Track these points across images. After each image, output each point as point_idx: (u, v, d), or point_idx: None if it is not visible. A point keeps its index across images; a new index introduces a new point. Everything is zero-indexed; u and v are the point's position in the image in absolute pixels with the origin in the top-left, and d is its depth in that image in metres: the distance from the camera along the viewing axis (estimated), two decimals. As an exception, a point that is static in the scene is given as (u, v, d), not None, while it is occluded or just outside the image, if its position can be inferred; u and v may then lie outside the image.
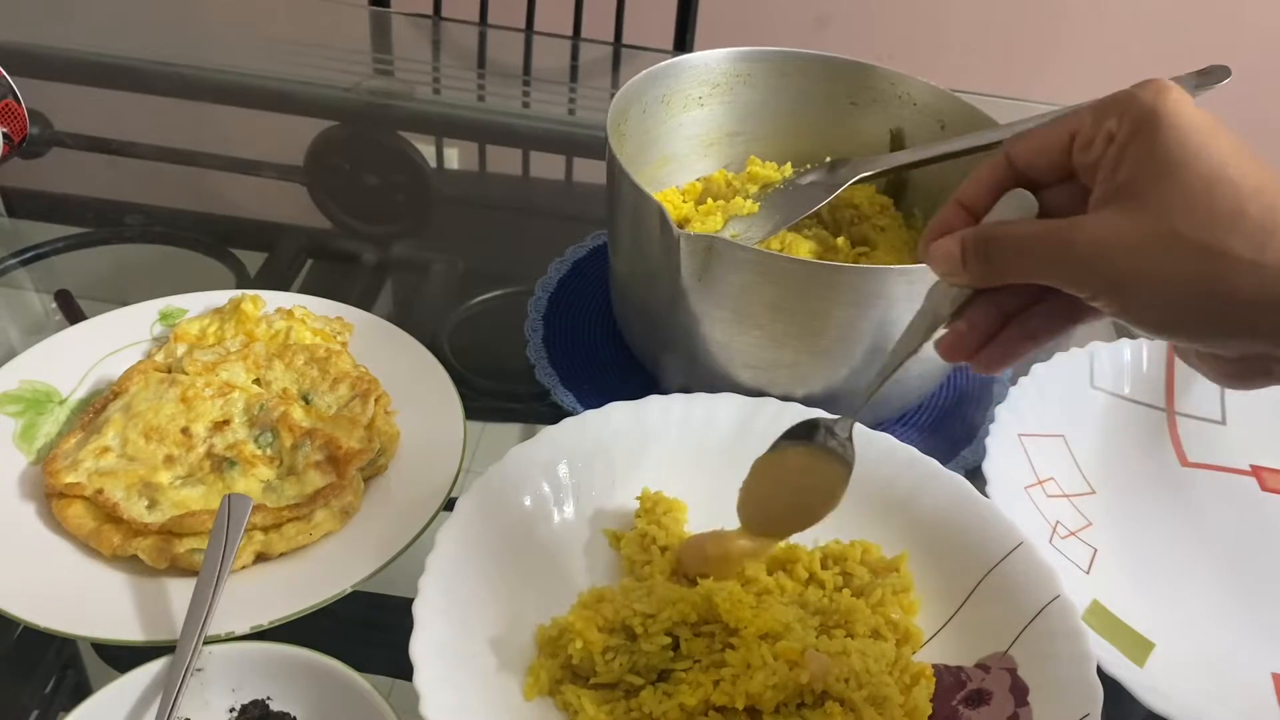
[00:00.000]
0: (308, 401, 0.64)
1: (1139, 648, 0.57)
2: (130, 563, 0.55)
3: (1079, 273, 0.38)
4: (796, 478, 0.51)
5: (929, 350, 0.65)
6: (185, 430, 0.61)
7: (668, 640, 0.50)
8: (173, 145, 1.00)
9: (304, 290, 0.75)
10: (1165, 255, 0.35)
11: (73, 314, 0.74)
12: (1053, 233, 0.39)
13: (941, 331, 0.43)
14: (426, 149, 1.07)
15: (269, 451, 0.61)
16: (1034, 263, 0.39)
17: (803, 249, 0.72)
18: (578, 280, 0.80)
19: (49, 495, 0.57)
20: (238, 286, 0.74)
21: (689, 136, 0.80)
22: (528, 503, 0.58)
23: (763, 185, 0.77)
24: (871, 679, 0.49)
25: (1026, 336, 0.42)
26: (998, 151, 0.42)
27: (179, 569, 0.55)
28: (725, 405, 0.63)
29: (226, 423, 0.62)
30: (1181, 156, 0.36)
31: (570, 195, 1.03)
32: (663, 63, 0.75)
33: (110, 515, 0.55)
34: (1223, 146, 0.36)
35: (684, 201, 0.77)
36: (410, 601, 0.49)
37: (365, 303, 0.73)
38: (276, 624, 0.51)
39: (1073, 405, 0.70)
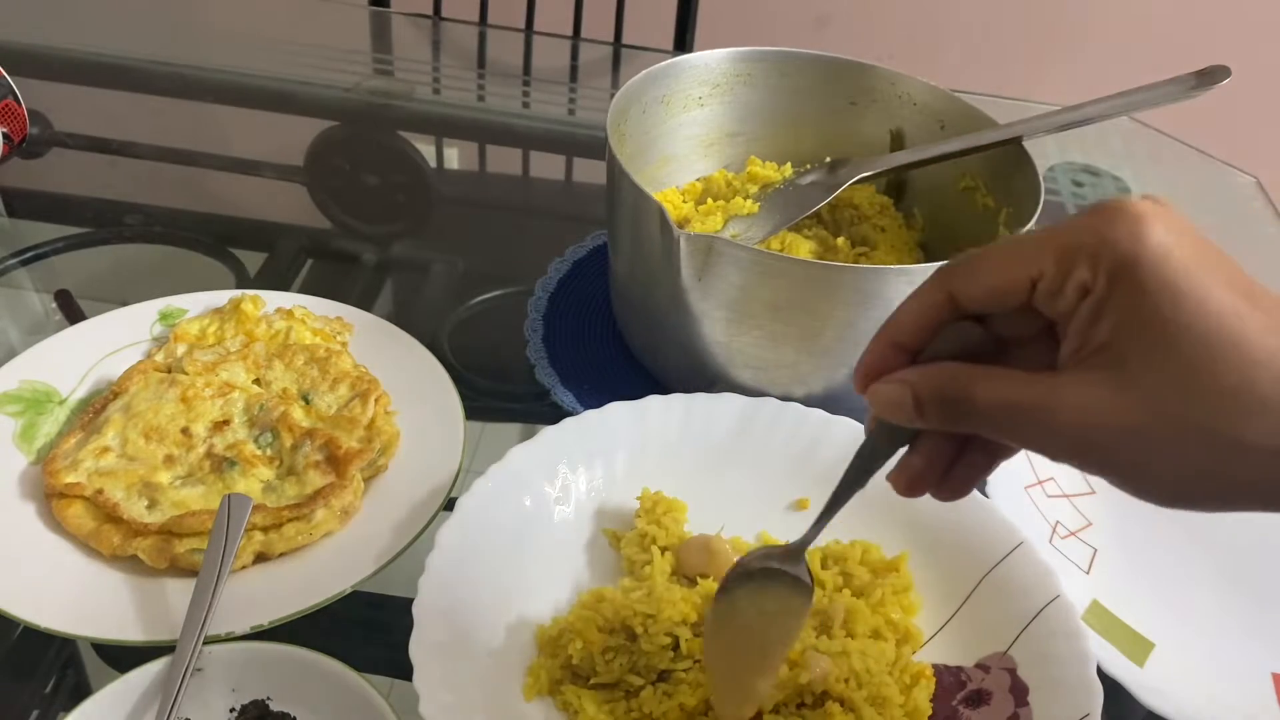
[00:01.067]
0: (308, 401, 0.64)
1: (1139, 648, 0.57)
2: (130, 563, 0.55)
3: (1063, 445, 0.33)
4: (757, 620, 0.47)
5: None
6: (185, 430, 0.61)
7: (668, 640, 0.50)
8: (173, 145, 1.00)
9: (304, 290, 0.75)
10: (1168, 444, 0.31)
11: (73, 314, 0.74)
12: (1031, 399, 0.33)
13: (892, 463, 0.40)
14: (426, 149, 1.07)
15: (269, 451, 0.61)
16: (1008, 427, 0.34)
17: (803, 249, 0.72)
18: (578, 280, 0.80)
19: (49, 495, 0.57)
20: (238, 286, 0.74)
21: (689, 136, 0.80)
22: (528, 503, 0.58)
23: (763, 185, 0.77)
24: (871, 679, 0.49)
25: (993, 456, 0.38)
26: (931, 284, 0.36)
27: (179, 569, 0.55)
28: (725, 405, 0.63)
29: (226, 423, 0.62)
30: (1173, 316, 0.30)
31: (570, 195, 1.03)
32: (663, 63, 0.75)
33: (110, 515, 0.55)
34: (1219, 295, 0.31)
35: (684, 201, 0.77)
36: (410, 601, 0.49)
37: (365, 303, 0.73)
38: (276, 624, 0.51)
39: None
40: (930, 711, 0.51)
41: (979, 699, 0.52)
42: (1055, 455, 0.34)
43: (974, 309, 0.35)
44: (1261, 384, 0.30)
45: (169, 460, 0.59)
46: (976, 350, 0.36)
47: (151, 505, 0.56)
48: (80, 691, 0.51)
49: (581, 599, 0.53)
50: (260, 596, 0.53)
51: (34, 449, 0.61)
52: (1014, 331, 0.36)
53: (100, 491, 0.56)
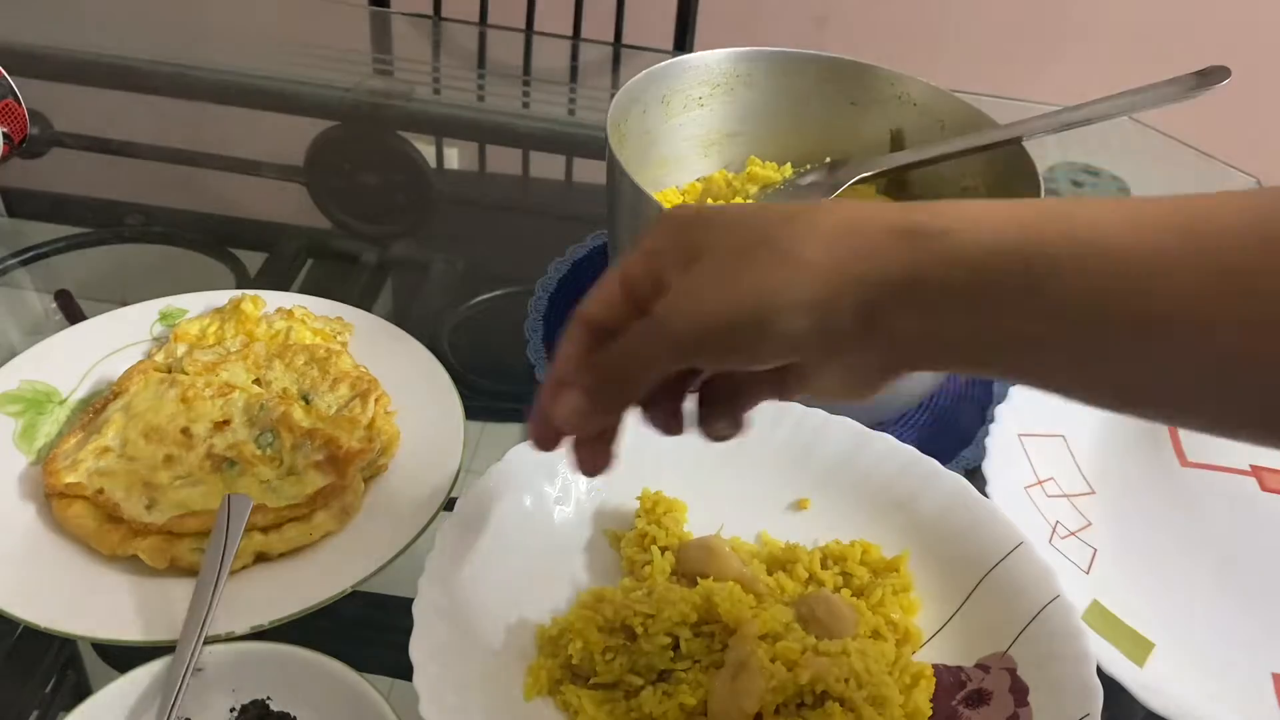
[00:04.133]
0: (308, 401, 0.64)
1: (1139, 648, 0.57)
2: (130, 563, 0.55)
3: (689, 345, 0.38)
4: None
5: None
6: (185, 430, 0.61)
7: (668, 640, 0.50)
8: (173, 145, 1.00)
9: (304, 290, 0.75)
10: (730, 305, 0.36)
11: (73, 314, 0.74)
12: (649, 321, 0.38)
13: None
14: (426, 149, 1.07)
15: (269, 451, 0.61)
16: (654, 355, 0.39)
17: (803, 249, 0.72)
18: (578, 280, 0.80)
19: (49, 495, 0.57)
20: (238, 286, 0.74)
21: (689, 136, 0.80)
22: (528, 503, 0.58)
23: (763, 185, 0.77)
24: (871, 679, 0.49)
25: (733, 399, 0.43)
26: (574, 323, 0.41)
27: (179, 569, 0.55)
28: (725, 405, 0.63)
29: (226, 423, 0.62)
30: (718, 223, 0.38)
31: (570, 195, 1.03)
32: (663, 63, 0.75)
33: (110, 515, 0.55)
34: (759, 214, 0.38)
35: (684, 201, 0.77)
36: (410, 601, 0.49)
37: (365, 303, 0.73)
38: (276, 624, 0.51)
39: (1073, 405, 0.69)
40: (930, 711, 0.51)
41: (979, 699, 0.52)
42: (693, 357, 0.39)
43: (604, 321, 0.41)
44: (800, 250, 0.35)
45: (169, 460, 0.59)
46: None
47: (151, 505, 0.56)
48: (80, 691, 0.51)
49: (581, 599, 0.53)
50: (260, 596, 0.53)
51: (34, 449, 0.61)
52: None
53: (100, 491, 0.56)
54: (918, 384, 0.69)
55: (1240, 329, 0.30)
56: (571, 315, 0.41)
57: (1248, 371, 0.31)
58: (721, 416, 0.43)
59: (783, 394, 0.42)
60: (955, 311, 0.34)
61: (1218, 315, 0.31)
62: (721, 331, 0.37)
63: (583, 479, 0.60)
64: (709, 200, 0.75)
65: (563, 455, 0.59)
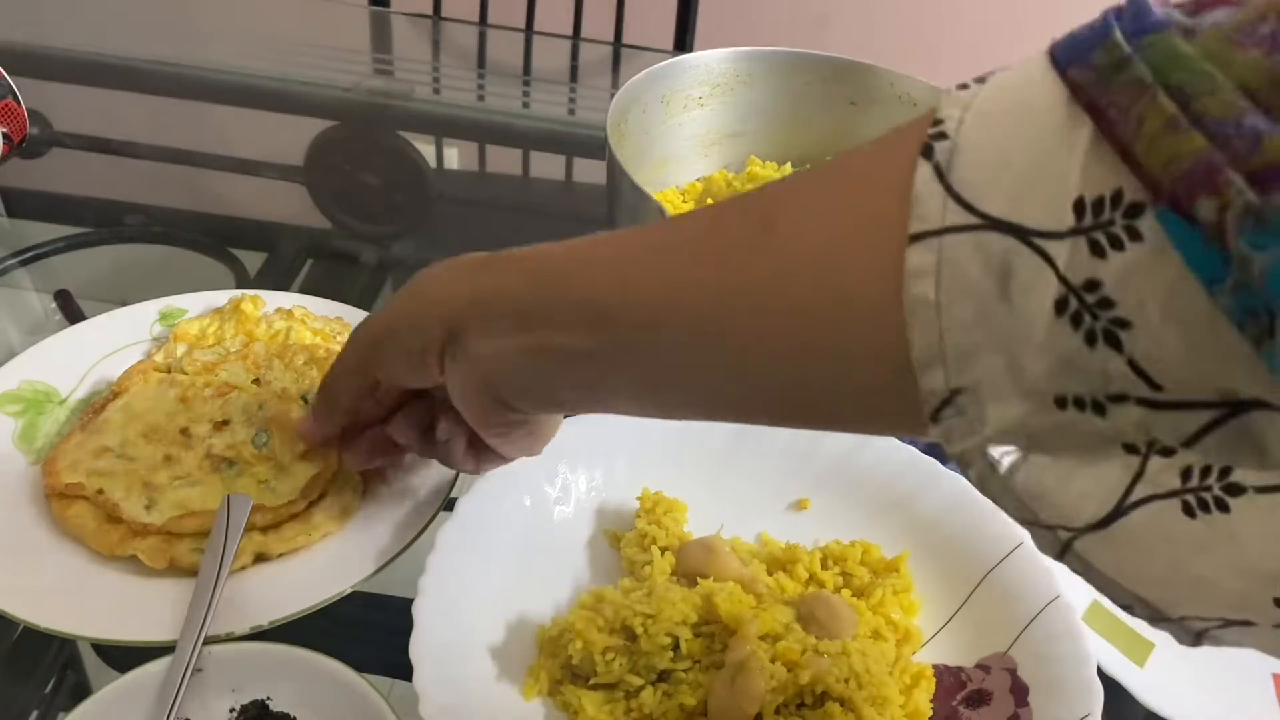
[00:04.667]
0: (306, 401, 0.64)
1: (1139, 648, 0.57)
2: (130, 563, 0.55)
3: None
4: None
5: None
6: (184, 430, 0.61)
7: (668, 640, 0.50)
8: (173, 145, 1.00)
9: (304, 290, 0.75)
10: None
11: (73, 314, 0.74)
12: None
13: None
14: (426, 149, 1.07)
15: (265, 450, 0.61)
16: (334, 370, 0.51)
17: (803, 249, 0.72)
18: (578, 280, 0.79)
19: (49, 495, 0.57)
20: (238, 286, 0.74)
21: (689, 136, 0.80)
22: (528, 503, 0.58)
23: (763, 185, 0.77)
24: (872, 679, 0.49)
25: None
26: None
27: (179, 569, 0.54)
28: (725, 405, 0.63)
29: (226, 423, 0.62)
30: None
31: (570, 195, 1.03)
32: (663, 63, 0.75)
33: (110, 515, 0.55)
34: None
35: (684, 201, 0.77)
36: (410, 601, 0.49)
37: (365, 303, 0.73)
38: (276, 624, 0.51)
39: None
40: (930, 712, 0.51)
41: (979, 699, 0.52)
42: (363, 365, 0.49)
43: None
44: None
45: (168, 460, 0.59)
46: None
47: (151, 505, 0.56)
48: (80, 691, 0.51)
49: (581, 599, 0.53)
50: (260, 596, 0.53)
51: (34, 449, 0.61)
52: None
53: (100, 491, 0.56)
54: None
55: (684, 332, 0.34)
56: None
57: (697, 372, 0.35)
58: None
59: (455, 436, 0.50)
60: (512, 328, 0.39)
61: (663, 319, 0.34)
62: (372, 346, 0.47)
63: (583, 479, 0.60)
64: (709, 200, 0.75)
65: (562, 455, 0.59)
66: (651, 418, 0.41)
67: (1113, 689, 0.50)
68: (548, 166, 1.08)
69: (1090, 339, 0.24)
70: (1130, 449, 0.25)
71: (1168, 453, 0.25)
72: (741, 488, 0.61)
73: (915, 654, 0.54)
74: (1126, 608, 0.28)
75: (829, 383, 0.31)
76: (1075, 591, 0.55)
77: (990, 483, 0.28)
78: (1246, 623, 0.26)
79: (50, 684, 0.54)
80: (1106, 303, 0.24)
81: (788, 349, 0.31)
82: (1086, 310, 0.24)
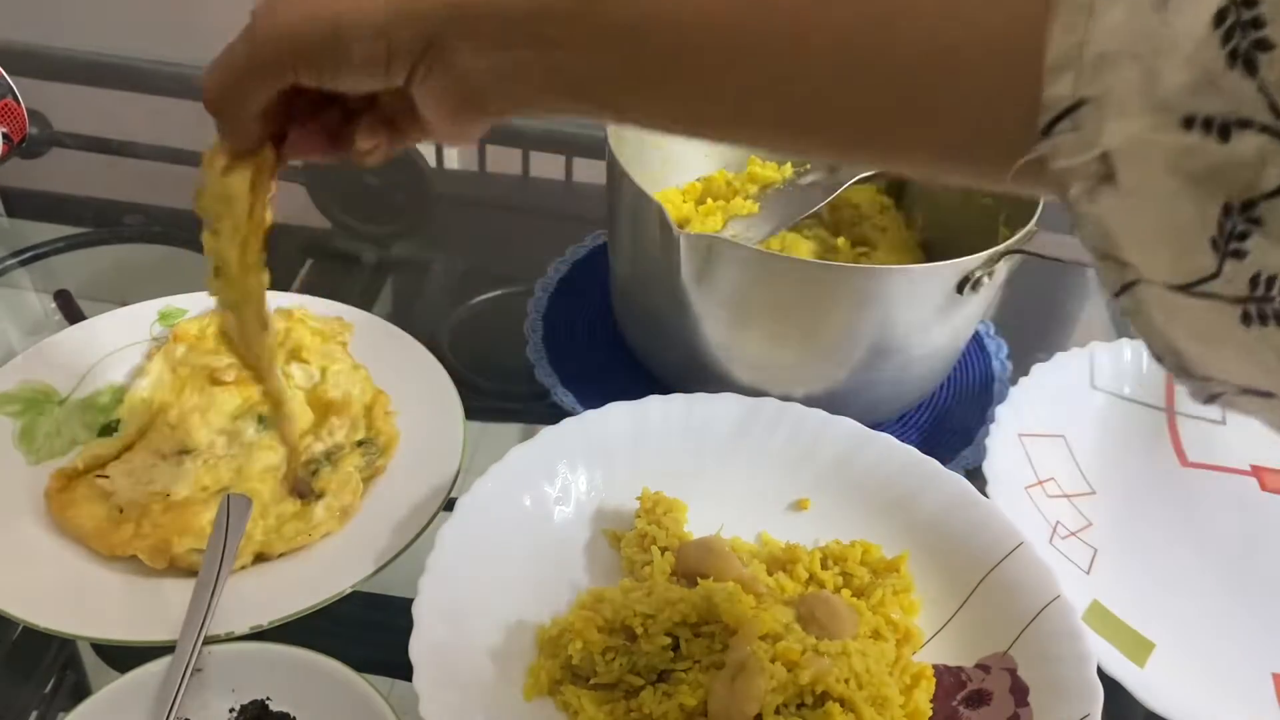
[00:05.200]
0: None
1: (1139, 648, 0.57)
2: (130, 563, 0.55)
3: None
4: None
5: (929, 349, 0.65)
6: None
7: (668, 640, 0.50)
8: (173, 145, 1.00)
9: (304, 290, 0.75)
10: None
11: (73, 314, 0.74)
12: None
13: None
14: (426, 149, 1.07)
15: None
16: (244, 68, 0.42)
17: (803, 249, 0.72)
18: (578, 280, 0.80)
19: (49, 495, 0.57)
20: (238, 286, 0.74)
21: (689, 136, 0.80)
22: (528, 503, 0.58)
23: (763, 185, 0.77)
24: (872, 679, 0.49)
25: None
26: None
27: (179, 569, 0.55)
28: (725, 405, 0.63)
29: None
30: None
31: (570, 195, 1.03)
32: (663, 63, 0.75)
33: (109, 517, 0.56)
34: None
35: (684, 201, 0.77)
36: (410, 601, 0.49)
37: (365, 303, 0.73)
38: (276, 624, 0.51)
39: (1073, 405, 0.70)
40: (930, 712, 0.51)
41: (979, 699, 0.52)
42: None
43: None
44: None
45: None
46: None
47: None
48: (80, 691, 0.51)
49: (581, 599, 0.53)
50: (260, 596, 0.53)
51: (34, 449, 0.61)
52: None
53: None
54: (918, 384, 0.69)
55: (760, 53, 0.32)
56: None
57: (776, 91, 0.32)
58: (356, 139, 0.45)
59: (394, 131, 0.44)
60: (514, 45, 0.36)
61: (740, 41, 0.32)
62: (300, 45, 0.39)
63: (583, 479, 0.60)
64: (709, 200, 0.75)
65: (562, 455, 0.59)
66: (668, 132, 0.38)
67: (1113, 689, 0.50)
68: (548, 166, 1.08)
69: (1232, 58, 0.24)
70: (1214, 245, 0.25)
71: (1241, 255, 0.24)
72: (741, 488, 0.61)
73: (915, 654, 0.54)
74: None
75: (939, 92, 0.30)
76: (1075, 591, 0.55)
77: (1081, 204, 0.27)
78: (1268, 394, 0.27)
79: (50, 684, 0.54)
80: (1257, 22, 0.23)
81: (907, 52, 0.30)
82: (1239, 26, 0.24)
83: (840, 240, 0.73)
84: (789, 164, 0.79)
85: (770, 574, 0.56)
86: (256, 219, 0.50)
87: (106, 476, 0.58)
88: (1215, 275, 0.25)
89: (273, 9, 0.40)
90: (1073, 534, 0.63)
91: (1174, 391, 0.72)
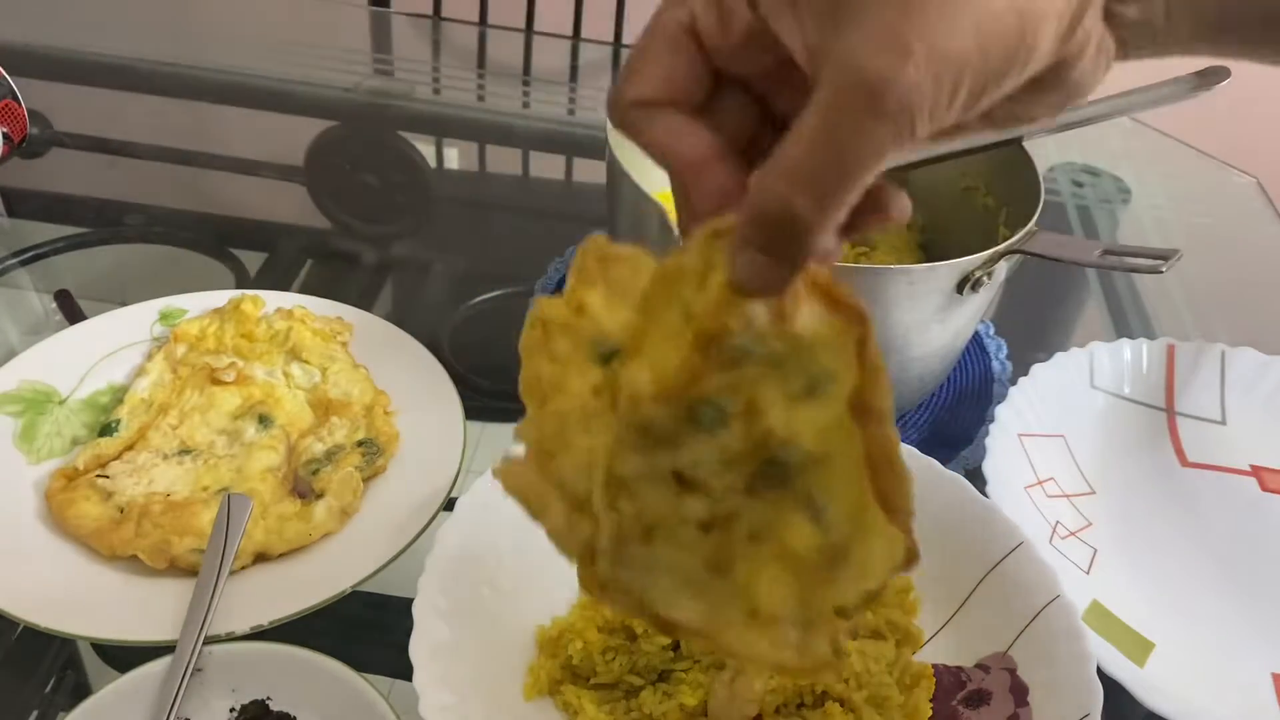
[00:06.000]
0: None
1: (1139, 648, 0.57)
2: (130, 563, 0.55)
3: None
4: None
5: (929, 349, 0.65)
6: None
7: (668, 640, 0.50)
8: (173, 145, 1.00)
9: (304, 290, 0.75)
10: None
11: (73, 314, 0.74)
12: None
13: None
14: (426, 149, 1.07)
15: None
16: (873, 144, 0.25)
17: (803, 249, 0.72)
18: (578, 280, 0.79)
19: (49, 495, 0.57)
20: (238, 286, 0.74)
21: (689, 136, 0.80)
22: (528, 503, 0.57)
23: (763, 185, 0.77)
24: (872, 679, 0.49)
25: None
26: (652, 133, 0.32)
27: (179, 569, 0.55)
28: (725, 405, 0.63)
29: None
30: None
31: (570, 195, 1.03)
32: (663, 63, 0.75)
33: (111, 513, 0.56)
34: None
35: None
36: (410, 601, 0.49)
37: (365, 303, 0.73)
38: (276, 624, 0.51)
39: (1073, 405, 0.70)
40: (930, 712, 0.51)
41: (979, 699, 0.52)
42: None
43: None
44: None
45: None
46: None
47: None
48: (80, 691, 0.51)
49: (581, 599, 0.53)
50: (260, 596, 0.53)
51: (34, 449, 0.61)
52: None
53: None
54: (918, 384, 0.69)
55: None
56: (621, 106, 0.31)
57: None
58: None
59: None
60: None
61: None
62: (976, 70, 0.25)
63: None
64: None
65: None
66: None
67: (1113, 689, 0.50)
68: (548, 166, 1.08)
69: None
70: None
71: None
72: (741, 488, 0.61)
73: (915, 654, 0.54)
74: None
75: None
76: (1075, 591, 0.55)
77: None
78: None
79: (50, 684, 0.54)
80: None
81: None
82: None
83: (840, 240, 0.73)
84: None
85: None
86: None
87: (107, 476, 0.58)
88: None
89: (906, 51, 0.24)
90: (1073, 534, 0.63)
91: (1174, 391, 0.72)
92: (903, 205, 0.30)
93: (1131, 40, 0.29)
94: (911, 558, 0.27)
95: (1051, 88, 0.28)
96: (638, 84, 0.31)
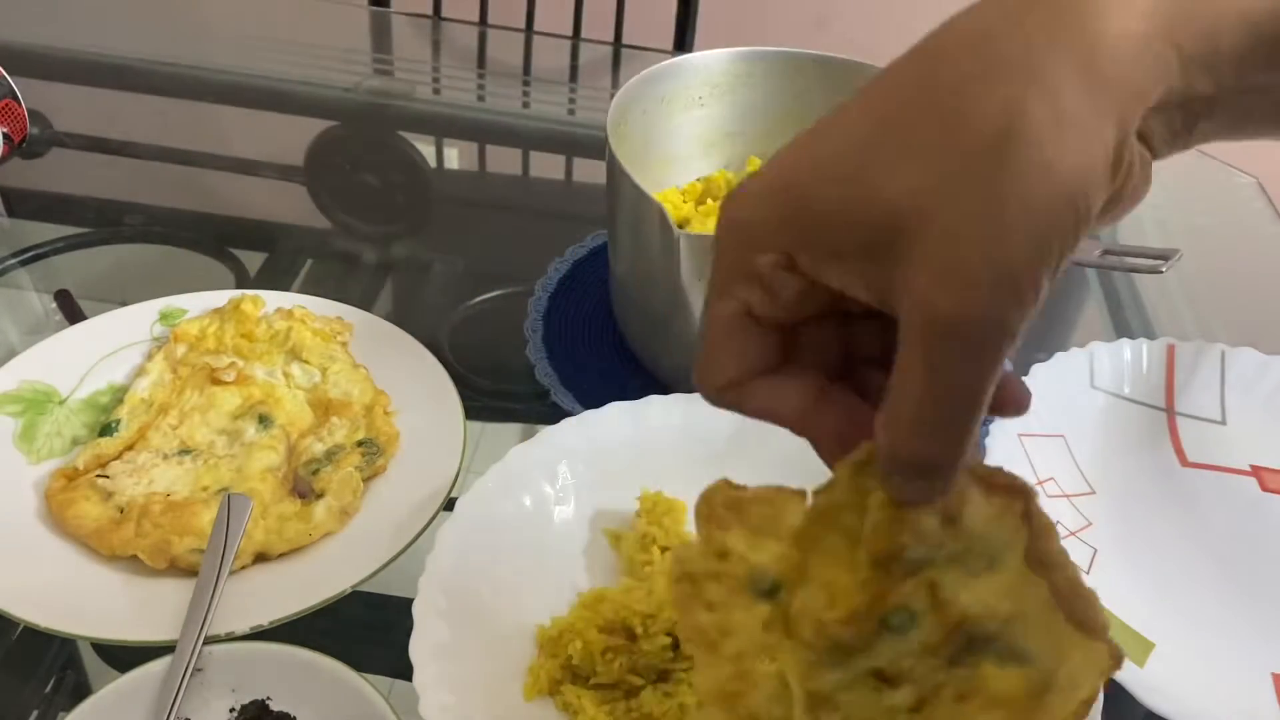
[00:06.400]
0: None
1: (1139, 648, 0.57)
2: (130, 563, 0.55)
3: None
4: None
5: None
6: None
7: (668, 640, 0.50)
8: (173, 145, 1.00)
9: (304, 290, 0.75)
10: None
11: (73, 314, 0.74)
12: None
13: None
14: (426, 149, 1.07)
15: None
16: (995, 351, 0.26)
17: (803, 249, 0.72)
18: (578, 280, 0.80)
19: (49, 495, 0.57)
20: (238, 286, 0.74)
21: (689, 136, 0.80)
22: (528, 503, 0.57)
23: (763, 185, 0.76)
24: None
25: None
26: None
27: (179, 569, 0.55)
28: (725, 405, 0.63)
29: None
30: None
31: (570, 195, 1.03)
32: (663, 63, 0.75)
33: (111, 513, 0.56)
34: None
35: (684, 201, 0.77)
36: (410, 601, 0.49)
37: (365, 303, 0.73)
38: (276, 624, 0.51)
39: (1073, 405, 0.70)
40: (930, 711, 0.51)
41: (979, 699, 0.52)
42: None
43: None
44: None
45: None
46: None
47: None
48: (80, 691, 0.51)
49: (581, 599, 0.53)
50: (260, 596, 0.53)
51: (34, 449, 0.61)
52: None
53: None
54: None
55: None
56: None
57: None
58: None
59: None
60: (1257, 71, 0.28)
61: None
62: (1049, 263, 0.26)
63: (583, 479, 0.60)
64: (709, 200, 0.75)
65: (562, 455, 0.59)
66: None
67: (1113, 689, 0.50)
68: (548, 166, 1.08)
69: None
70: None
71: None
72: (741, 488, 0.61)
73: (915, 654, 0.54)
74: None
75: None
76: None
77: None
78: None
79: (50, 684, 0.54)
80: None
81: None
82: None
83: (840, 240, 0.73)
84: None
85: (770, 574, 0.56)
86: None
87: (107, 476, 0.58)
88: None
89: (974, 282, 0.25)
90: (1073, 534, 0.63)
91: (1174, 391, 0.72)
92: (1024, 395, 0.30)
93: (1159, 150, 0.31)
94: (1117, 661, 0.28)
95: (1104, 214, 0.29)
96: (717, 372, 0.31)
